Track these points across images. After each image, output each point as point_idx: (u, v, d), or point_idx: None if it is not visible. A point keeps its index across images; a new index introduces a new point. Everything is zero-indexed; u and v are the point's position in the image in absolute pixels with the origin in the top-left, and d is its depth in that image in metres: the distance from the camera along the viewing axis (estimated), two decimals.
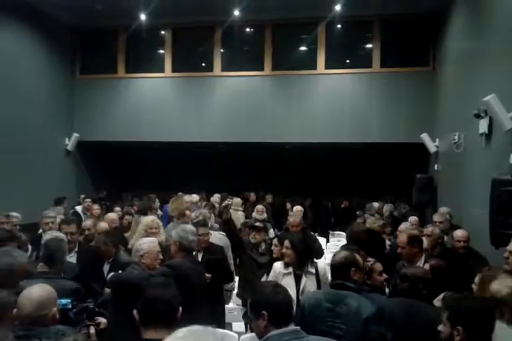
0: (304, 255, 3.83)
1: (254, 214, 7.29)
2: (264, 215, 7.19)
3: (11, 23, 8.92)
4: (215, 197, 9.01)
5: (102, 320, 2.54)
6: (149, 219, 5.20)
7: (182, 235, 3.80)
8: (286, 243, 3.86)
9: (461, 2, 7.60)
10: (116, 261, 4.38)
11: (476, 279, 3.01)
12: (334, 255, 3.17)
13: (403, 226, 5.70)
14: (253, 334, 3.79)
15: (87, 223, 5.58)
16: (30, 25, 9.41)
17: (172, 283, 2.23)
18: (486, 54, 6.06)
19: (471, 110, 5.94)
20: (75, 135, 10.66)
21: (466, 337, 2.13)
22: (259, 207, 7.34)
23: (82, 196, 9.09)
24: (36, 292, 2.25)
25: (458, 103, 7.45)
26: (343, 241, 8.59)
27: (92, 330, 2.46)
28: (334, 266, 3.08)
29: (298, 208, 7.11)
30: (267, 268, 4.27)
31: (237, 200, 8.72)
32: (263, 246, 5.15)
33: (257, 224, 5.41)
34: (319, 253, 5.50)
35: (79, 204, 8.74)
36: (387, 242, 5.68)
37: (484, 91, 5.38)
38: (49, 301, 2.27)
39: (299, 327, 2.20)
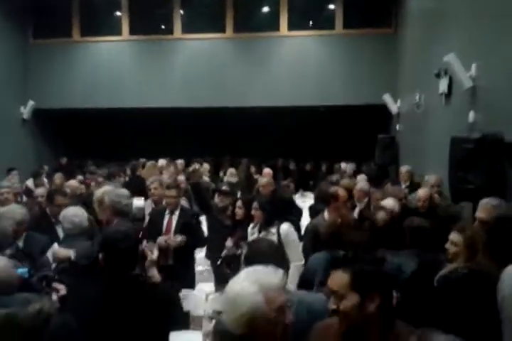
0: (272, 216, 3.90)
1: (226, 177, 7.30)
2: (237, 178, 7.20)
3: None
4: (178, 163, 8.93)
5: (62, 287, 2.51)
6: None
7: (115, 199, 3.74)
8: (255, 204, 3.95)
9: None
10: None
11: (457, 238, 2.83)
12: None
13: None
14: (220, 293, 3.92)
15: (41, 190, 5.45)
16: None
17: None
18: (446, 14, 6.08)
19: (432, 70, 6.01)
20: (31, 103, 10.25)
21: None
22: (232, 170, 7.35)
23: (46, 167, 8.81)
24: None
25: (419, 63, 7.51)
26: (308, 202, 8.76)
27: (54, 297, 2.44)
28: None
29: (266, 171, 7.15)
30: (233, 230, 4.35)
31: (205, 166, 8.71)
32: (230, 209, 5.19)
33: (224, 188, 5.43)
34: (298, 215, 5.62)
35: (36, 176, 8.35)
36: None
37: (444, 51, 5.42)
38: (10, 269, 2.24)
39: None
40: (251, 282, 1.65)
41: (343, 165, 9.39)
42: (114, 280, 2.31)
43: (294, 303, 1.89)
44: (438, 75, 5.86)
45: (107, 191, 3.96)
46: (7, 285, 2.18)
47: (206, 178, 8.52)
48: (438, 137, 6.11)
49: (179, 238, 4.21)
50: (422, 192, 4.88)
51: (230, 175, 7.04)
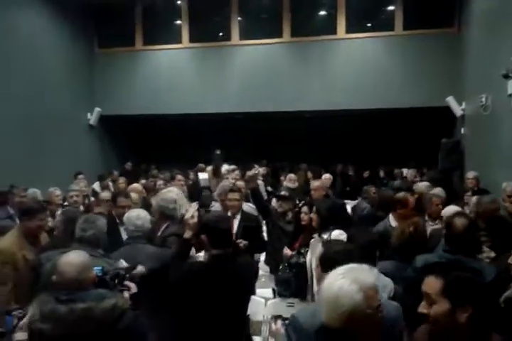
0: (327, 221, 3.83)
1: (285, 182, 7.29)
2: (296, 184, 7.17)
3: None
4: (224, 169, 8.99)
5: (133, 285, 2.60)
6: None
7: (162, 204, 3.83)
8: (314, 208, 3.95)
9: None
10: None
11: None
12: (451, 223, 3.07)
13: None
14: (279, 299, 3.92)
15: (105, 194, 5.62)
16: (48, 1, 9.36)
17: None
18: None
19: (499, 70, 5.75)
20: (97, 109, 10.72)
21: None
22: (291, 175, 7.33)
23: (116, 172, 9.18)
24: (75, 257, 2.31)
25: (485, 64, 7.21)
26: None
27: (126, 295, 2.53)
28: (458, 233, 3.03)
29: (326, 176, 7.06)
30: (297, 236, 4.32)
31: (260, 171, 8.76)
32: (290, 214, 5.18)
33: (283, 193, 5.43)
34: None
35: (101, 179, 8.73)
36: None
37: None
38: (88, 265, 2.33)
39: None
40: (351, 281, 1.71)
41: (404, 171, 9.14)
42: (216, 256, 2.80)
43: None
44: (506, 76, 5.61)
45: (156, 195, 4.06)
46: (85, 281, 2.26)
47: (260, 182, 8.57)
48: (507, 140, 5.83)
49: (242, 243, 4.22)
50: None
51: (289, 181, 7.01)
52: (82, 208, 5.68)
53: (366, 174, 10.66)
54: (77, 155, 9.95)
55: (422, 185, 5.80)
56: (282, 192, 5.40)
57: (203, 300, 2.68)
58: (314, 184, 5.86)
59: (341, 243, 2.75)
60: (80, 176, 8.22)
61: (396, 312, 2.11)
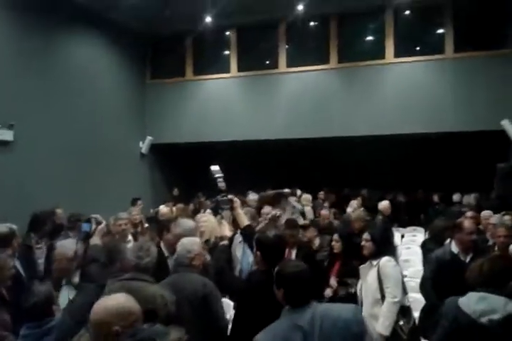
0: (382, 247, 3.77)
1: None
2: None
3: (87, 32, 9.48)
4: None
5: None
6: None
7: (185, 229, 4.06)
8: (366, 235, 3.81)
9: None
10: None
11: None
12: None
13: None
14: None
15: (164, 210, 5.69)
16: (104, 34, 9.93)
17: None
18: None
19: None
20: (149, 138, 11.05)
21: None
22: (354, 201, 7.27)
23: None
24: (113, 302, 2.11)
25: None
26: (419, 237, 8.29)
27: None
28: None
29: (385, 205, 6.74)
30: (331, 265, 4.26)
31: (307, 196, 8.72)
32: (317, 242, 5.13)
33: (303, 222, 5.40)
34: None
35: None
36: None
37: None
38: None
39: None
40: None
41: (454, 196, 8.80)
42: (265, 272, 2.94)
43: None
44: None
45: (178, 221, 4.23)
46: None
47: (308, 208, 8.48)
48: None
49: None
50: None
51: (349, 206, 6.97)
52: (130, 237, 5.70)
53: (420, 194, 10.35)
54: (129, 183, 10.23)
55: (485, 213, 5.58)
56: (302, 222, 5.36)
57: (260, 307, 2.83)
58: (352, 216, 5.60)
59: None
60: (139, 202, 8.29)
61: (351, 314, 2.14)
